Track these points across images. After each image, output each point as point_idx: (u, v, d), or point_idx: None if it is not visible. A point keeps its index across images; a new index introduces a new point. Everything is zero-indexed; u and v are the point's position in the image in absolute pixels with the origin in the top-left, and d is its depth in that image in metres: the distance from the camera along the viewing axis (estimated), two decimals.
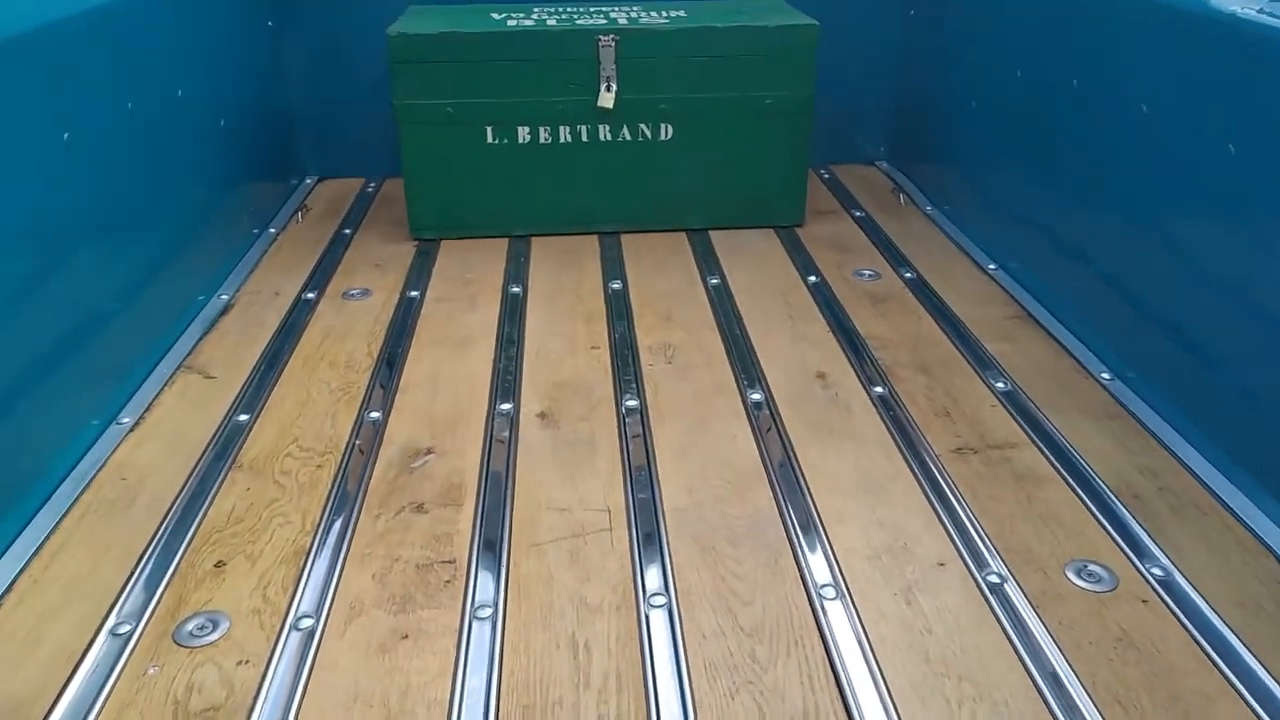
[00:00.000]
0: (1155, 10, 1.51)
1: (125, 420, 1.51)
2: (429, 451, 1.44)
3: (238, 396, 1.59)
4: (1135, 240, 1.58)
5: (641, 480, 1.37)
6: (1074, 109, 1.74)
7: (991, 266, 2.05)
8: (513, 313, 1.88)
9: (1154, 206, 1.53)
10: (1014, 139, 2.00)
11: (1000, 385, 1.61)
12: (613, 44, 2.07)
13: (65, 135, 1.42)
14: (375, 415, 1.54)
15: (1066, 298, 1.81)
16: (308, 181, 2.61)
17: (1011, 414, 1.53)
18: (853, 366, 1.68)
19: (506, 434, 1.48)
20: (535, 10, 2.24)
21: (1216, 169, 1.36)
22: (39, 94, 1.36)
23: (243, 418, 1.53)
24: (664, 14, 2.21)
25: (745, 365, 1.68)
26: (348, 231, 2.28)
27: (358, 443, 1.46)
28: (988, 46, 2.10)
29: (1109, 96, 1.63)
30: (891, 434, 1.48)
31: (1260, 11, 1.29)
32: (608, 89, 2.10)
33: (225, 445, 1.46)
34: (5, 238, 1.26)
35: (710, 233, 2.25)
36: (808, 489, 1.34)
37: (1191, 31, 1.42)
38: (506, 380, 1.64)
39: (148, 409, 1.55)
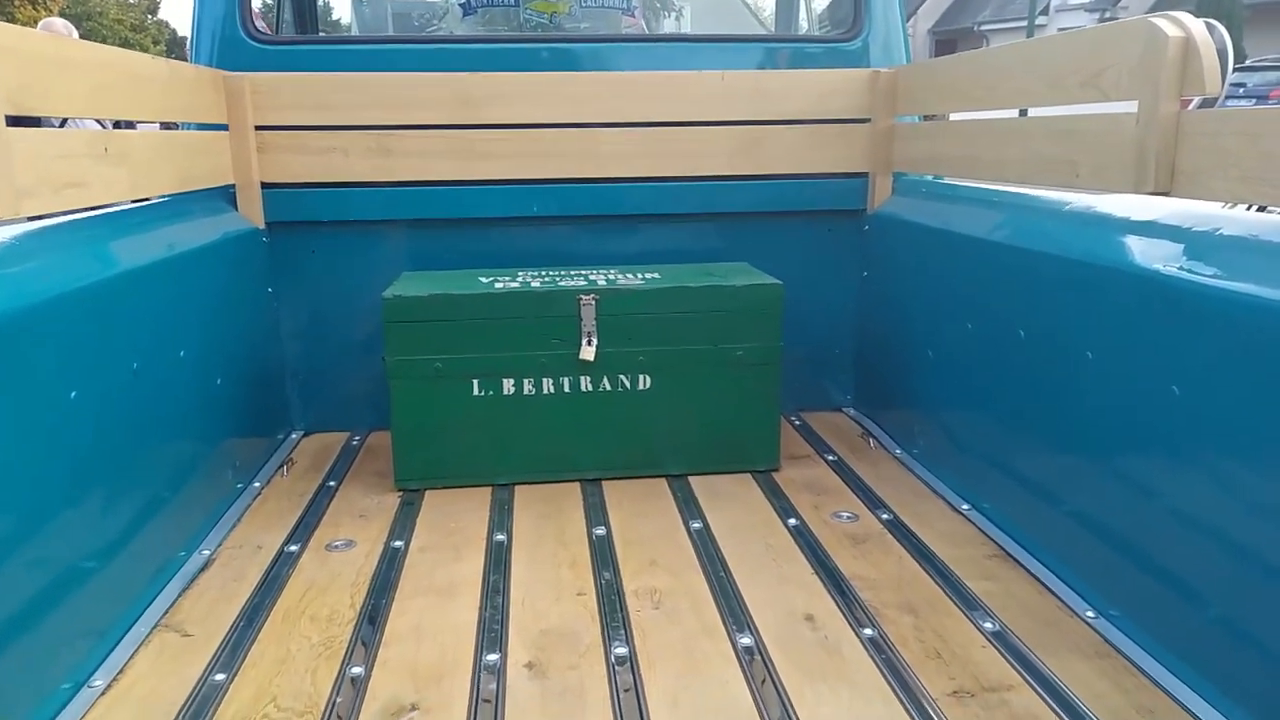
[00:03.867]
0: (1085, 268, 1.67)
1: (98, 683, 1.46)
2: (414, 708, 1.40)
3: (215, 655, 1.55)
4: (1101, 479, 1.65)
5: None
6: (1024, 357, 1.87)
7: (965, 507, 2.11)
8: (497, 561, 1.88)
9: (1114, 446, 1.61)
10: (972, 385, 2.12)
11: (989, 625, 1.61)
12: (593, 302, 2.22)
13: (72, 394, 1.48)
14: (357, 671, 1.50)
15: (1042, 536, 1.85)
16: (294, 436, 2.66)
17: (1003, 655, 1.52)
18: (840, 608, 1.68)
19: (494, 686, 1.45)
20: (520, 274, 2.41)
21: (1164, 410, 1.45)
22: (51, 356, 1.43)
23: (219, 677, 1.48)
24: (640, 275, 2.38)
25: (732, 608, 1.68)
26: (332, 484, 2.31)
27: (339, 700, 1.42)
28: (937, 301, 2.28)
29: (1055, 345, 1.77)
30: (885, 678, 1.46)
31: (1180, 269, 1.44)
32: (589, 343, 2.23)
33: (200, 707, 1.40)
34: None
35: (690, 478, 2.30)
36: None
37: (1120, 287, 1.56)
38: (493, 630, 1.62)
39: (121, 671, 1.50)
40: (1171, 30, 1.49)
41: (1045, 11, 25.59)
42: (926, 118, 2.63)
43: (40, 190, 1.50)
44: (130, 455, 1.69)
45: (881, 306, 2.65)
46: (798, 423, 2.74)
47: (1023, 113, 2.13)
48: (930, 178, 2.61)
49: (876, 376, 2.72)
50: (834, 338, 2.80)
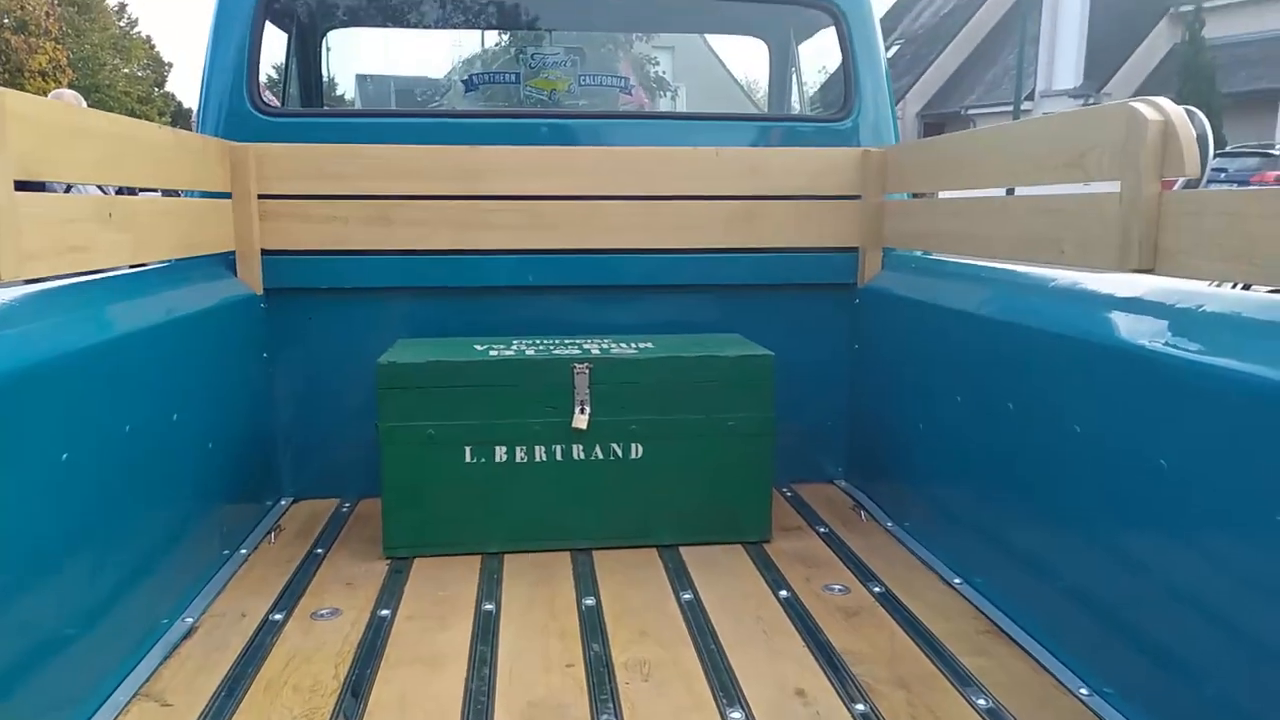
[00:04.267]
0: (1071, 342, 1.69)
1: None
2: None
3: None
4: (1091, 553, 1.65)
5: None
6: (1013, 431, 1.89)
7: (956, 581, 2.09)
8: (485, 631, 1.86)
9: (1107, 521, 1.61)
10: (962, 458, 2.13)
11: (982, 702, 1.59)
12: (586, 371, 2.24)
13: (64, 456, 1.47)
14: None
15: (1034, 612, 1.84)
16: (283, 502, 2.64)
17: None
18: (831, 683, 1.66)
19: None
20: (515, 342, 2.43)
21: (1152, 484, 1.46)
22: (44, 418, 1.43)
23: None
24: (634, 345, 2.40)
25: (723, 682, 1.66)
26: (320, 551, 2.29)
27: None
28: (927, 375, 2.30)
29: (1043, 418, 1.78)
30: None
31: (1164, 344, 1.47)
32: (581, 412, 2.24)
33: None
34: None
35: (681, 548, 2.29)
36: None
37: (1106, 361, 1.59)
38: (479, 702, 1.59)
39: None
40: (1151, 114, 1.54)
41: (1030, 97, 26.28)
42: (916, 195, 2.69)
43: (45, 254, 1.53)
44: (119, 519, 1.68)
45: (872, 379, 2.67)
46: (789, 494, 2.73)
47: (1010, 192, 2.18)
48: (920, 253, 2.65)
49: (868, 449, 2.72)
50: (826, 410, 2.82)
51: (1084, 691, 1.61)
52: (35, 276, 1.51)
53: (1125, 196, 1.60)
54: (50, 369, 1.46)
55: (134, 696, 1.60)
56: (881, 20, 2.96)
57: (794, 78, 3.48)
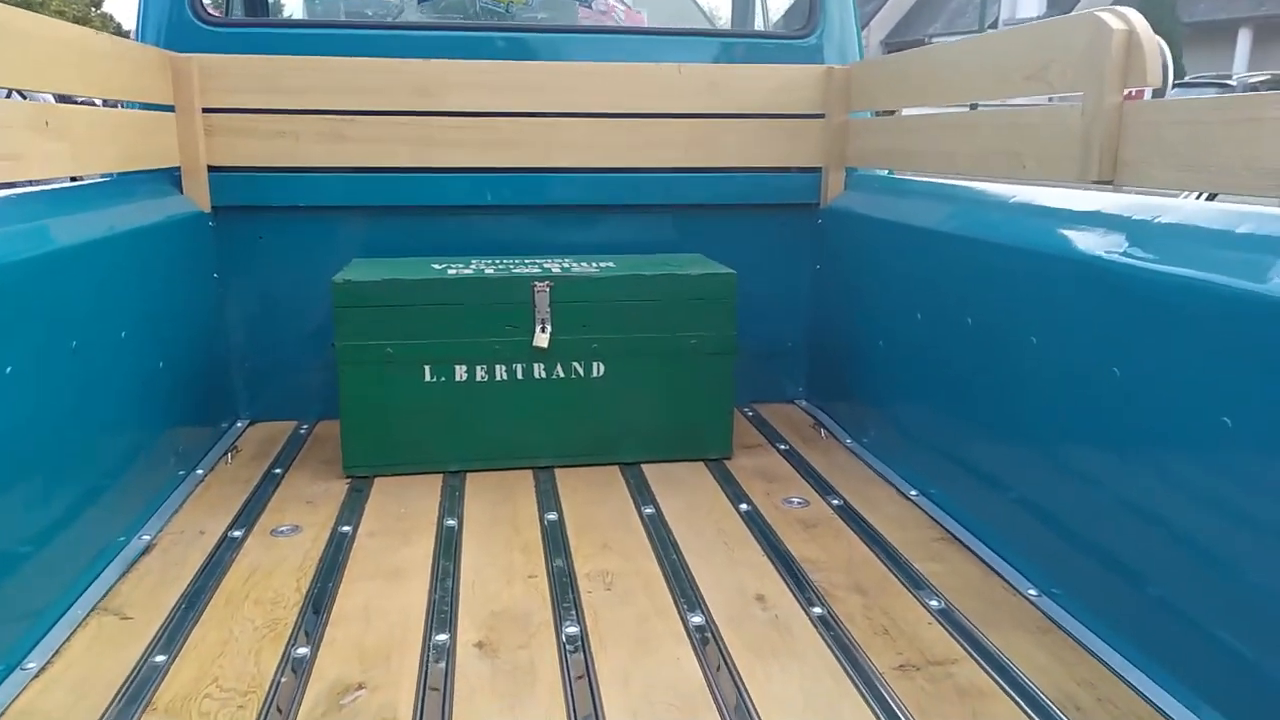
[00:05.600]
0: (1027, 255, 1.70)
1: (31, 665, 1.42)
2: (360, 687, 1.38)
3: (154, 638, 1.51)
4: (1043, 463, 1.68)
5: (585, 707, 1.32)
6: (971, 345, 1.91)
7: (913, 493, 2.14)
8: (448, 546, 1.87)
9: (1058, 431, 1.64)
10: (921, 374, 2.15)
11: (934, 604, 1.64)
12: (547, 289, 2.22)
13: (7, 369, 1.43)
14: (303, 651, 1.47)
15: (988, 520, 1.89)
16: (239, 424, 2.61)
17: (949, 631, 1.55)
18: (790, 589, 1.69)
19: (443, 665, 1.43)
20: (474, 261, 2.40)
21: (1107, 393, 1.49)
22: None
23: (159, 659, 1.45)
24: (594, 264, 2.38)
25: (684, 590, 1.68)
26: (278, 471, 2.27)
27: (282, 681, 1.39)
28: (888, 293, 2.31)
29: (1001, 332, 1.80)
30: (834, 653, 1.47)
31: (1119, 255, 1.48)
32: (542, 330, 2.22)
33: (139, 688, 1.37)
34: None
35: (643, 465, 2.30)
36: (756, 712, 1.31)
37: (1061, 273, 1.60)
38: (442, 612, 1.60)
39: (56, 653, 1.46)
40: (1116, 24, 1.53)
41: (995, 25, 26.13)
42: (879, 113, 2.67)
43: None
44: (68, 436, 1.65)
45: (834, 299, 2.68)
46: (750, 414, 2.76)
47: (973, 107, 2.16)
48: (883, 172, 2.64)
49: (828, 368, 2.74)
50: (787, 330, 2.83)
51: (1032, 592, 1.67)
52: None
53: (1087, 108, 1.59)
54: None
55: (91, 610, 1.59)
56: None
57: None
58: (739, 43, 2.85)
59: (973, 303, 1.91)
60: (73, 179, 2.11)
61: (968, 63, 2.06)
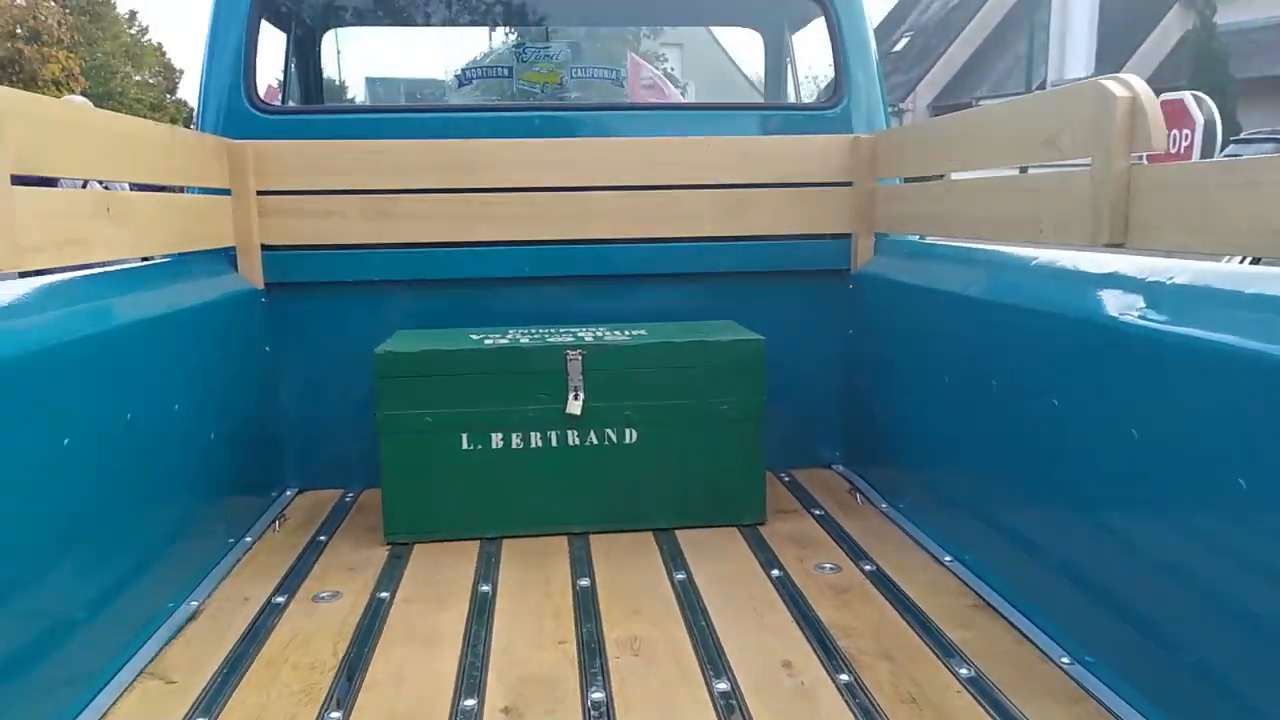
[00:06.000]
0: (1048, 318, 1.72)
1: None
2: None
3: (195, 702, 1.57)
4: (1073, 526, 1.67)
5: None
6: (1000, 408, 1.91)
7: (947, 559, 2.12)
8: (481, 612, 1.90)
9: (1085, 494, 1.63)
10: (952, 437, 2.15)
11: (964, 671, 1.62)
12: (579, 358, 2.28)
13: (65, 441, 1.52)
14: (335, 716, 1.51)
15: (1021, 586, 1.86)
16: (288, 493, 2.69)
17: (978, 700, 1.53)
18: (817, 655, 1.69)
19: None
20: (511, 331, 2.47)
21: (1130, 457, 1.48)
22: (46, 403, 1.48)
23: None
24: (626, 332, 2.44)
25: (711, 656, 1.69)
26: (322, 538, 2.34)
27: None
28: (918, 357, 2.33)
29: (1028, 395, 1.80)
30: None
31: (1137, 318, 1.49)
32: (575, 398, 2.28)
33: None
34: None
35: (676, 531, 2.32)
36: None
37: (1082, 335, 1.61)
38: (472, 677, 1.63)
39: (103, 716, 1.52)
40: (1119, 91, 1.57)
41: (1042, 87, 26.16)
42: (907, 180, 2.72)
43: (44, 246, 1.58)
44: (122, 506, 1.73)
45: (867, 363, 2.70)
46: (786, 479, 2.76)
47: (1023, 170, 2.18)
48: (911, 238, 2.68)
49: (864, 432, 2.75)
50: (822, 395, 2.84)
51: (1065, 660, 1.64)
52: (33, 268, 1.56)
53: (1096, 173, 1.62)
54: (51, 357, 1.51)
55: (138, 675, 1.66)
56: (890, 12, 2.99)
57: (789, 68, 3.51)
58: (769, 115, 2.94)
59: (999, 366, 1.92)
60: (144, 259, 2.25)
61: (985, 131, 2.11)
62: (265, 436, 2.59)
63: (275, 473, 2.67)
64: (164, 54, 32.65)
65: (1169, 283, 1.49)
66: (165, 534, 1.93)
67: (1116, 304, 1.55)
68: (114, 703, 1.56)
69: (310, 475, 2.72)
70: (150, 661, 1.71)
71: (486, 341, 2.35)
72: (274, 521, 2.46)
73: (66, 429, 1.53)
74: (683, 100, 3.64)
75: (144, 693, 1.61)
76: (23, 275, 1.65)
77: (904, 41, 31.94)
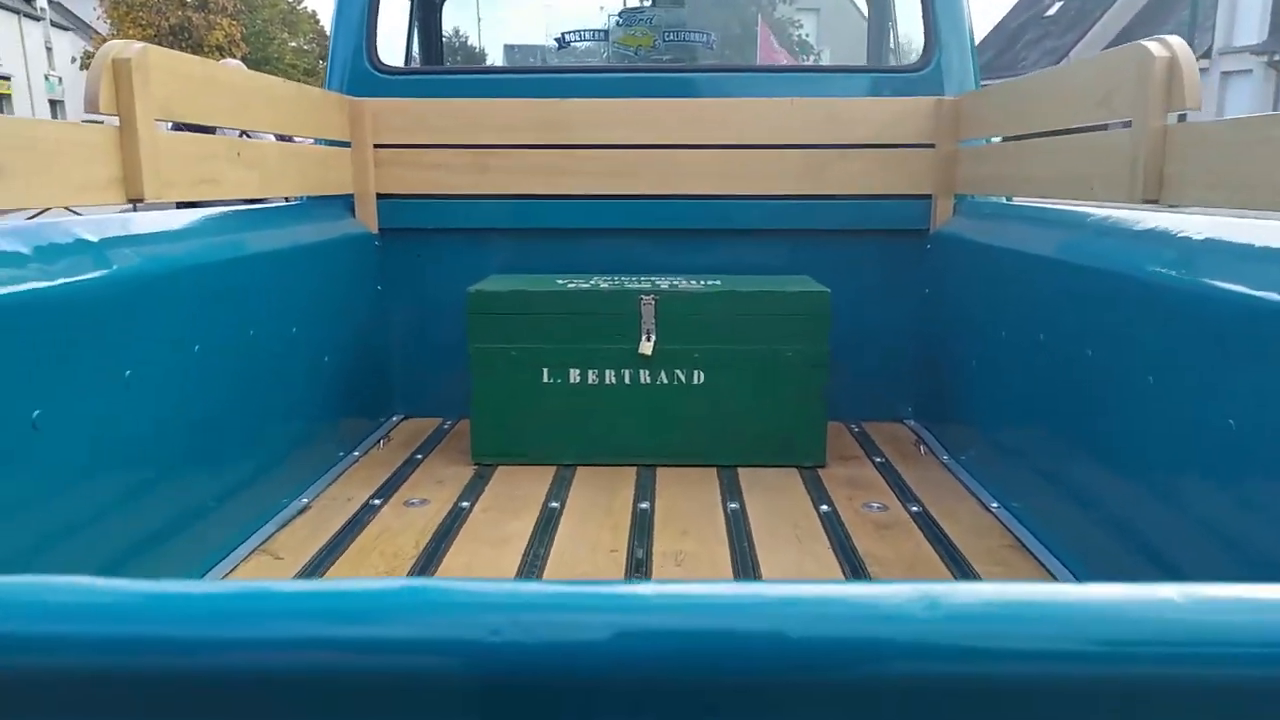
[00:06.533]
0: (1122, 280, 1.68)
1: None
2: None
3: (298, 572, 1.84)
4: (1131, 484, 1.66)
5: None
6: (1072, 369, 1.88)
7: (994, 505, 2.20)
8: (547, 522, 2.12)
9: (1147, 455, 1.62)
10: (1018, 395, 2.20)
11: None
12: (653, 302, 2.45)
13: (196, 348, 1.81)
14: None
15: (1065, 536, 1.92)
16: (394, 419, 2.99)
17: None
18: (845, 575, 1.83)
19: None
20: (593, 278, 2.67)
21: (1217, 439, 1.40)
22: (181, 315, 1.76)
23: None
24: (700, 282, 2.60)
25: (745, 569, 1.86)
26: (419, 457, 2.61)
27: None
28: (993, 316, 2.36)
29: (1102, 358, 1.77)
30: None
31: (1230, 280, 1.39)
32: (647, 339, 2.45)
33: None
34: (138, 434, 1.60)
35: (738, 469, 2.48)
36: None
37: (1156, 298, 1.56)
38: (530, 570, 1.85)
39: (223, 577, 1.81)
40: (1159, 51, 1.61)
41: (1207, 55, 24.45)
42: (987, 142, 2.75)
43: (181, 183, 1.85)
44: (248, 411, 2.02)
45: (942, 322, 2.77)
46: (856, 429, 2.87)
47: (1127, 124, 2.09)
48: (991, 199, 2.72)
49: (935, 388, 2.82)
50: (896, 351, 2.93)
51: None
52: (173, 200, 1.84)
53: (1135, 131, 1.67)
54: (188, 276, 1.79)
55: (253, 551, 1.95)
56: None
57: (891, 28, 3.55)
58: (858, 76, 3.01)
59: (1078, 330, 1.88)
60: (286, 199, 2.54)
61: (1053, 92, 2.15)
62: (375, 367, 2.88)
63: (384, 400, 2.96)
64: (317, 21, 34.20)
65: (1260, 247, 1.44)
66: (284, 441, 2.22)
67: (1202, 267, 1.50)
68: (232, 569, 1.85)
69: (414, 404, 3.00)
70: (264, 542, 2.00)
71: (569, 285, 2.55)
72: (379, 441, 2.75)
73: (197, 338, 1.81)
74: (784, 63, 3.72)
75: (257, 564, 1.89)
76: (179, 206, 1.94)
77: (1057, 6, 30.34)
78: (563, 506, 2.22)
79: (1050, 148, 2.15)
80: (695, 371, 2.49)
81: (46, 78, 31.49)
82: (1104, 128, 1.92)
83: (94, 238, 1.57)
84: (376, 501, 2.25)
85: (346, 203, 2.81)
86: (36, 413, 1.34)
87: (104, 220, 1.66)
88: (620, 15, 3.31)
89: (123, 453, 1.57)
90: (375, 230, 2.84)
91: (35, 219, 1.86)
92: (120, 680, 0.50)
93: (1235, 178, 1.45)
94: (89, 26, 32.66)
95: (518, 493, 2.31)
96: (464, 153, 2.81)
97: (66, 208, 1.87)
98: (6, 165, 1.41)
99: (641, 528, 2.09)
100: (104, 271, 1.53)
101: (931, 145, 2.78)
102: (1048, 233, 2.18)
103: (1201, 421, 1.43)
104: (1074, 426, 1.94)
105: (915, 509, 2.20)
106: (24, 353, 1.33)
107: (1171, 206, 1.63)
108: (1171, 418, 1.54)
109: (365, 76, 2.87)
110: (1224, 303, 1.40)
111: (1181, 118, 1.65)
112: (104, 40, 18.81)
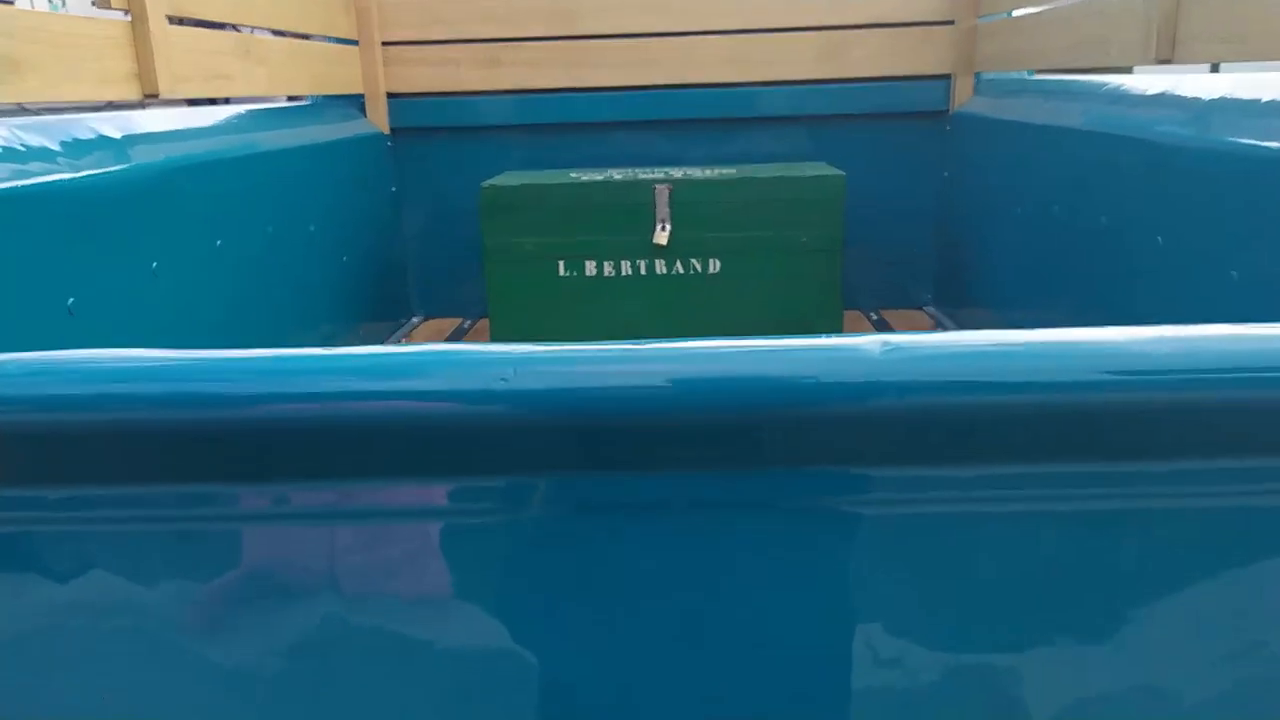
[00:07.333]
0: (1153, 148, 1.64)
1: None
2: None
3: None
4: None
5: None
6: (1093, 242, 1.86)
7: None
8: None
9: (1150, 317, 1.61)
10: (1032, 274, 2.20)
11: None
12: (667, 191, 2.44)
13: (218, 242, 1.84)
14: None
15: None
16: (414, 320, 3.03)
17: None
18: None
19: None
20: (608, 170, 2.66)
21: (1223, 293, 1.41)
22: (202, 207, 1.79)
23: None
24: (714, 170, 2.58)
25: None
26: None
27: None
28: (1014, 195, 2.34)
29: (1132, 229, 1.73)
30: None
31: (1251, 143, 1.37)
32: (662, 229, 2.46)
33: None
34: (166, 324, 1.65)
35: None
36: None
37: (1191, 163, 1.52)
38: None
39: None
40: None
41: None
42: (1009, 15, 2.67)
43: (193, 78, 1.86)
44: (268, 306, 2.06)
45: (962, 205, 2.73)
46: (875, 318, 2.88)
47: None
48: (1012, 75, 2.65)
49: (956, 274, 2.81)
50: (916, 238, 2.90)
51: None
52: (186, 96, 1.85)
53: None
54: (205, 170, 1.81)
55: None
56: None
57: None
58: None
59: (1099, 201, 1.85)
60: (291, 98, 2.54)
61: None
62: (393, 268, 2.91)
63: (403, 301, 3.00)
64: None
65: (1264, 100, 1.42)
66: (306, 342, 2.27)
67: (1232, 128, 1.45)
68: None
69: (433, 305, 3.04)
70: None
71: (583, 178, 2.54)
72: (400, 339, 2.80)
73: (217, 232, 1.84)
74: None
75: None
76: (190, 104, 1.95)
77: None
78: None
79: (1068, 15, 2.08)
80: (711, 260, 2.49)
81: None
82: None
83: (117, 134, 1.59)
84: None
85: (357, 102, 2.80)
86: (71, 300, 1.39)
87: (125, 116, 1.68)
88: None
89: (151, 343, 1.62)
90: (387, 130, 2.84)
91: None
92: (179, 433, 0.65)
93: (1246, 30, 1.41)
94: None
95: None
96: (474, 48, 2.77)
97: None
98: (23, 60, 1.42)
99: None
100: (128, 165, 1.56)
101: (950, 22, 2.70)
102: (1073, 104, 2.12)
103: (1205, 275, 1.44)
104: (1092, 300, 1.94)
105: None
106: (58, 241, 1.37)
107: (1186, 65, 1.59)
108: (1177, 274, 1.54)
109: None
110: (1226, 156, 1.40)
111: None
112: None
